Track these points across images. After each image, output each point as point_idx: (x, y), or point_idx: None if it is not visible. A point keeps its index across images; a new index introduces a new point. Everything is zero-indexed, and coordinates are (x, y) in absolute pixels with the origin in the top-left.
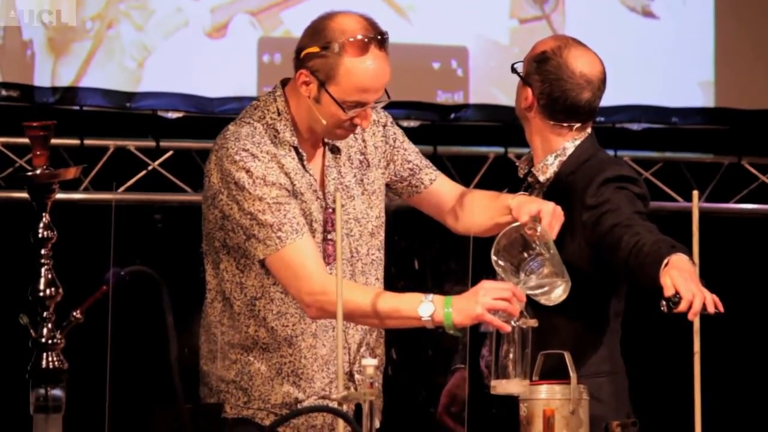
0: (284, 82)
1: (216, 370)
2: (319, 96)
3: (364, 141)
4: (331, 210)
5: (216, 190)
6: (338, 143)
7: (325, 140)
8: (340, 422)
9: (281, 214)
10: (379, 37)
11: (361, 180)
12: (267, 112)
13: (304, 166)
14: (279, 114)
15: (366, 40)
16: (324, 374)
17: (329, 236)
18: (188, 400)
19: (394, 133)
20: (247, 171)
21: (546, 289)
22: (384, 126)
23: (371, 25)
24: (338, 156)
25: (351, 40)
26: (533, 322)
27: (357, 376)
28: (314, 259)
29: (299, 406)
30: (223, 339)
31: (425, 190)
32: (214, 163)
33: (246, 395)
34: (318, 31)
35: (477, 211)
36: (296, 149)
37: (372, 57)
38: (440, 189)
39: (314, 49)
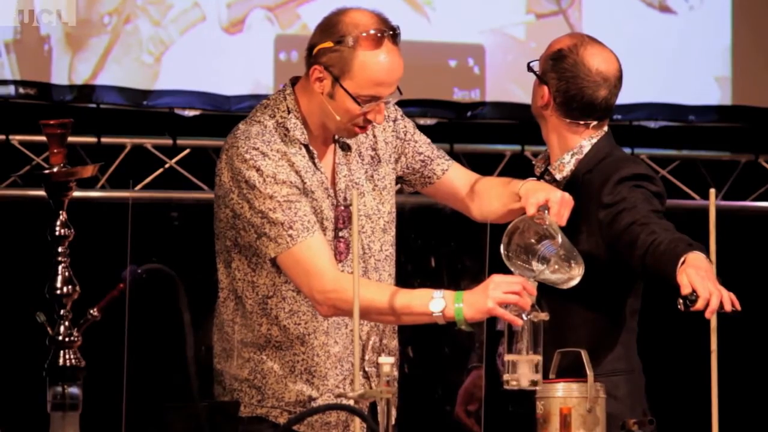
0: (294, 81)
1: (229, 368)
2: (333, 91)
3: (374, 137)
4: (342, 207)
5: (227, 189)
6: (349, 140)
7: (336, 137)
8: (356, 419)
9: (292, 212)
10: (391, 32)
11: (372, 176)
12: (277, 110)
13: (315, 164)
14: (289, 112)
15: (380, 34)
16: (337, 371)
17: (340, 234)
18: (204, 398)
19: (405, 126)
20: (258, 169)
21: (561, 275)
22: (394, 120)
23: (383, 20)
24: (349, 153)
25: (365, 34)
26: (544, 316)
27: (368, 369)
28: (326, 257)
29: (313, 404)
30: (236, 338)
31: (438, 181)
32: (225, 162)
33: (260, 393)
34: (331, 26)
35: (491, 198)
36: (307, 147)
37: (386, 51)
38: (453, 178)
39: (328, 44)
